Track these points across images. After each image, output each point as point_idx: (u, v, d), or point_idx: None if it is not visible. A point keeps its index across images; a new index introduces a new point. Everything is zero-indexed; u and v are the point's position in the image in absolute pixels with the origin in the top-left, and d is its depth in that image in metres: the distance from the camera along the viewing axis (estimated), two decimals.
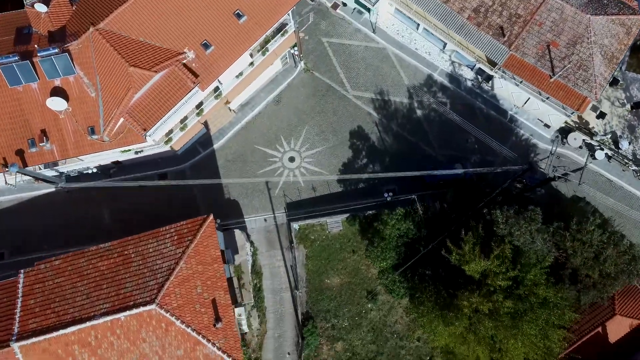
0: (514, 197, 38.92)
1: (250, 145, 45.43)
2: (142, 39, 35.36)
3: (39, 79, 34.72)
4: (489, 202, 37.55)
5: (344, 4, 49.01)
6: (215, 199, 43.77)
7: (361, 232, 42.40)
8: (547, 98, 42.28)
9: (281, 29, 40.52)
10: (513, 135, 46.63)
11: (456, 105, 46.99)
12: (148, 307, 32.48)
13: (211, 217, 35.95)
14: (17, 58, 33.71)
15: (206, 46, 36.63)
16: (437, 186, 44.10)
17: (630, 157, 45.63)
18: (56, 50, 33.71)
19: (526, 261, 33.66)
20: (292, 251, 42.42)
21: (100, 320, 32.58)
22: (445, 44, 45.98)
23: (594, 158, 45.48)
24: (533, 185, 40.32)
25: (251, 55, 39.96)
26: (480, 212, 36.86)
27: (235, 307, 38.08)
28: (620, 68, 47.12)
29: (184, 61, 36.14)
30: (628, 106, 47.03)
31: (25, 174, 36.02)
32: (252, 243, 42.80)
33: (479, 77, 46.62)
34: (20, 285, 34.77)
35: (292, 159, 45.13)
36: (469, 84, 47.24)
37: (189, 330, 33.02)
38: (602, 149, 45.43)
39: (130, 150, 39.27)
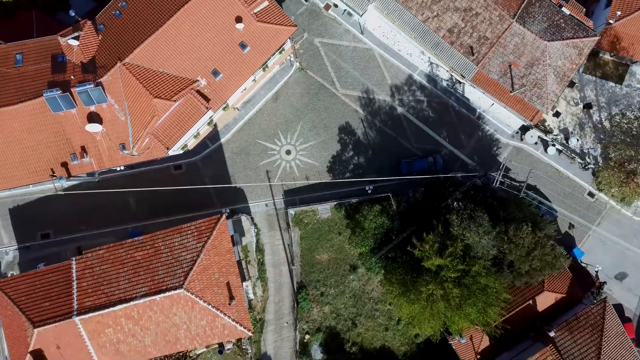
0: (472, 197, 47.90)
1: (252, 140, 53.40)
2: (162, 70, 42.32)
3: (77, 106, 42.05)
4: (452, 200, 46.82)
5: (335, 5, 54.58)
6: (223, 186, 52.29)
7: (346, 217, 51.83)
8: (506, 107, 49.97)
9: (279, 48, 47.09)
10: (480, 130, 54.75)
11: (432, 103, 54.53)
12: (177, 291, 42.59)
13: (224, 217, 45.07)
14: (59, 92, 40.79)
15: (216, 74, 43.68)
16: (412, 174, 52.84)
17: (578, 152, 54.15)
18: (91, 85, 40.82)
19: (474, 255, 43.57)
20: (288, 232, 52.06)
21: (141, 300, 42.76)
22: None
23: (546, 152, 54.02)
24: (487, 183, 49.39)
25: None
26: (442, 210, 46.15)
27: (243, 280, 48.32)
28: (578, 70, 54.20)
29: (198, 88, 43.33)
30: (581, 106, 54.75)
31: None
32: (255, 225, 52.26)
33: (453, 77, 53.58)
34: (73, 271, 44.51)
35: (288, 152, 53.37)
36: (445, 84, 54.43)
37: (209, 307, 43.34)
38: (554, 145, 53.83)
39: None
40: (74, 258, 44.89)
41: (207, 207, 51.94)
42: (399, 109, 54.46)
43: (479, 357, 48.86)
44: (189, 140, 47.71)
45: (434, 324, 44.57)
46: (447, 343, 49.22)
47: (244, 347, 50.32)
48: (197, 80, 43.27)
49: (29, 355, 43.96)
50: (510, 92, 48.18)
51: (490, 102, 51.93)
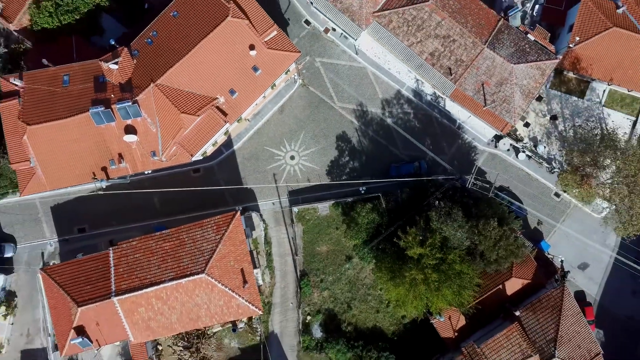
0: (451, 197, 56.57)
1: (261, 147, 62.13)
2: (188, 89, 51.05)
3: (116, 120, 50.74)
4: (433, 199, 55.53)
5: (334, 29, 63.27)
6: (236, 187, 60.93)
7: (342, 214, 60.55)
8: (480, 119, 58.69)
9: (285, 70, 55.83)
10: (460, 138, 63.50)
11: (418, 114, 63.26)
12: (199, 276, 51.16)
13: (238, 213, 53.68)
14: (102, 108, 49.49)
15: (232, 92, 52.45)
16: (400, 177, 61.52)
17: (545, 158, 62.86)
18: (129, 103, 49.51)
19: (450, 245, 52.25)
20: (292, 227, 60.76)
21: (169, 284, 51.36)
22: None
23: (517, 158, 62.77)
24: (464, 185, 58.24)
25: None
26: (424, 208, 54.85)
27: (254, 268, 56.95)
28: (546, 86, 62.96)
29: (217, 104, 52.06)
30: (548, 117, 63.51)
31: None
32: (264, 221, 60.95)
33: (436, 92, 62.24)
34: (111, 258, 53.15)
35: (292, 157, 62.08)
36: (429, 98, 63.16)
37: (226, 289, 51.94)
38: (524, 152, 62.56)
39: None
40: (110, 248, 53.61)
41: (221, 205, 60.65)
42: (389, 120, 63.18)
43: (456, 334, 57.49)
44: (208, 147, 56.38)
45: (417, 304, 53.17)
46: (429, 323, 57.88)
47: (254, 326, 59.00)
48: (217, 98, 52.03)
49: (72, 331, 52.56)
50: (483, 106, 56.87)
51: (468, 114, 60.55)
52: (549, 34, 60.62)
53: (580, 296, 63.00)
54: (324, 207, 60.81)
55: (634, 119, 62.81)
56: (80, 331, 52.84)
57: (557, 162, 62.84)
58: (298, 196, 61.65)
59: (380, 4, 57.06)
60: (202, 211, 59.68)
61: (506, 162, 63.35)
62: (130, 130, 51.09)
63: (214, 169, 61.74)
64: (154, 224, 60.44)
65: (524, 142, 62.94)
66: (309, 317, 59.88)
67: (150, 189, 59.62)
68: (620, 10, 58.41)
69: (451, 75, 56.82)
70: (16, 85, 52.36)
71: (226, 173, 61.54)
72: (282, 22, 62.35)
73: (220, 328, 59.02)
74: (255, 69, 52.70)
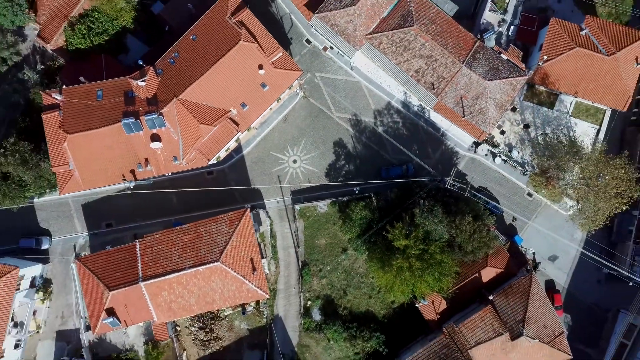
0: (434, 196, 65.42)
1: (267, 152, 71.01)
2: (205, 103, 59.93)
3: (143, 129, 59.60)
4: (417, 198, 64.41)
5: (332, 47, 72.13)
6: (245, 188, 69.79)
7: (339, 211, 69.46)
8: (460, 128, 67.61)
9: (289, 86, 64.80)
10: (443, 144, 72.40)
11: (406, 123, 72.16)
12: (215, 264, 59.95)
13: (248, 210, 62.47)
14: (132, 119, 58.37)
15: (244, 105, 61.40)
16: (389, 179, 70.38)
17: (519, 161, 71.73)
18: (155, 115, 58.41)
19: (432, 238, 61.08)
20: (295, 223, 69.61)
21: (188, 271, 60.12)
22: None
23: (494, 162, 71.69)
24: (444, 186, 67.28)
25: None
26: (410, 206, 63.70)
27: (262, 258, 65.77)
28: (519, 98, 71.87)
29: (231, 116, 60.95)
30: (521, 126, 72.39)
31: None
32: (269, 217, 69.81)
33: (422, 104, 71.13)
34: (137, 249, 61.91)
35: (295, 161, 70.94)
36: (415, 109, 72.07)
37: (238, 276, 60.72)
38: (500, 156, 71.46)
39: None
40: (137, 240, 62.39)
41: (232, 203, 69.54)
42: (380, 128, 72.10)
43: (438, 317, 66.41)
44: (221, 153, 65.27)
45: (403, 289, 62.03)
46: (415, 307, 66.73)
47: (261, 309, 67.86)
48: (230, 111, 60.97)
49: (104, 312, 61.30)
50: (462, 117, 65.79)
51: (449, 123, 69.41)
52: (521, 53, 69.66)
53: (550, 285, 72.00)
54: (322, 205, 69.63)
55: (597, 127, 71.71)
56: (111, 312, 61.50)
57: (529, 165, 71.71)
58: (300, 195, 70.47)
59: (372, 27, 65.99)
60: (215, 208, 68.52)
61: (484, 166, 72.26)
62: (155, 138, 59.93)
63: (226, 172, 70.56)
64: (172, 219, 69.26)
65: (500, 147, 71.80)
66: (309, 302, 68.69)
67: (170, 189, 68.49)
68: (583, 33, 67.42)
69: (434, 89, 65.68)
70: (57, 99, 61.26)
71: (236, 175, 70.41)
72: (286, 41, 71.40)
73: (232, 311, 67.86)
74: (263, 85, 61.68)
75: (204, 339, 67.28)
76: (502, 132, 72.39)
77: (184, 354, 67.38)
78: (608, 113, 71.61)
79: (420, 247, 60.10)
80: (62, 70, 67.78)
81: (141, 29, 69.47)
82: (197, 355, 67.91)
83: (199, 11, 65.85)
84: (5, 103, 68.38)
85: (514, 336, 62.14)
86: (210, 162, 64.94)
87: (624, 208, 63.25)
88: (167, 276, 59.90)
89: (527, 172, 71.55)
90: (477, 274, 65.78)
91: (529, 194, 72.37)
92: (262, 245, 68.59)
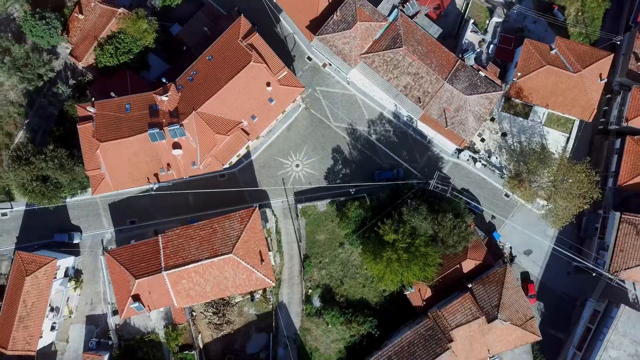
0: (420, 196, 74.96)
1: (273, 157, 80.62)
2: (220, 115, 69.54)
3: (166, 138, 69.16)
4: (405, 198, 73.98)
5: (330, 64, 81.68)
6: (253, 189, 79.33)
7: (336, 210, 79.00)
8: (443, 136, 77.23)
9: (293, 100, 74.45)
10: (429, 150, 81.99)
11: (397, 132, 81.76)
12: (228, 256, 69.47)
13: (256, 209, 71.94)
14: (157, 129, 67.97)
15: (253, 117, 71.03)
16: (381, 181, 79.92)
17: (497, 166, 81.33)
18: (177, 126, 68.01)
19: (418, 233, 70.61)
20: (297, 220, 79.13)
21: (204, 262, 69.59)
22: None
23: (475, 166, 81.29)
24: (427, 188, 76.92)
25: None
26: (399, 205, 73.26)
27: (269, 250, 75.28)
28: (497, 109, 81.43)
29: (242, 127, 70.54)
30: (500, 134, 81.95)
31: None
32: (275, 215, 79.35)
33: (410, 115, 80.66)
34: (160, 243, 71.36)
35: (297, 165, 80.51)
36: (405, 119, 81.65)
37: (248, 266, 70.23)
38: (480, 161, 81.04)
39: None
40: (159, 235, 71.84)
41: (242, 203, 79.08)
42: (373, 136, 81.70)
43: (424, 303, 75.92)
44: (233, 158, 74.86)
45: (393, 278, 71.58)
46: (403, 295, 76.26)
47: (268, 297, 77.39)
48: (242, 122, 70.56)
49: (130, 298, 70.70)
50: (445, 127, 75.41)
51: (434, 132, 78.97)
52: (499, 70, 79.28)
53: (525, 276, 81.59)
54: (322, 205, 79.18)
55: (567, 135, 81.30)
56: (137, 298, 70.85)
57: (506, 169, 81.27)
58: (302, 196, 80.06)
59: (365, 48, 75.65)
60: (227, 207, 78.02)
61: (466, 170, 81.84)
62: (177, 146, 69.52)
63: (236, 175, 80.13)
64: (189, 217, 78.70)
65: (481, 153, 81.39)
66: (310, 291, 78.22)
67: (187, 190, 78.01)
68: (553, 52, 77.08)
69: (420, 103, 75.29)
70: (90, 111, 70.80)
71: (246, 178, 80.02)
72: (289, 58, 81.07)
73: (242, 298, 77.36)
74: (270, 100, 71.33)
75: (217, 322, 76.80)
76: (482, 140, 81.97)
77: (199, 335, 76.90)
78: (577, 123, 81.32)
79: (408, 240, 69.51)
80: (91, 85, 77.38)
81: (161, 48, 79.08)
82: (210, 338, 77.45)
83: (213, 33, 75.66)
84: (41, 114, 78.10)
85: (490, 319, 71.60)
86: (224, 167, 74.48)
87: (586, 207, 72.81)
88: (186, 266, 69.21)
89: (504, 176, 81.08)
90: (458, 265, 75.33)
91: (507, 195, 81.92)
92: (268, 239, 78.07)
